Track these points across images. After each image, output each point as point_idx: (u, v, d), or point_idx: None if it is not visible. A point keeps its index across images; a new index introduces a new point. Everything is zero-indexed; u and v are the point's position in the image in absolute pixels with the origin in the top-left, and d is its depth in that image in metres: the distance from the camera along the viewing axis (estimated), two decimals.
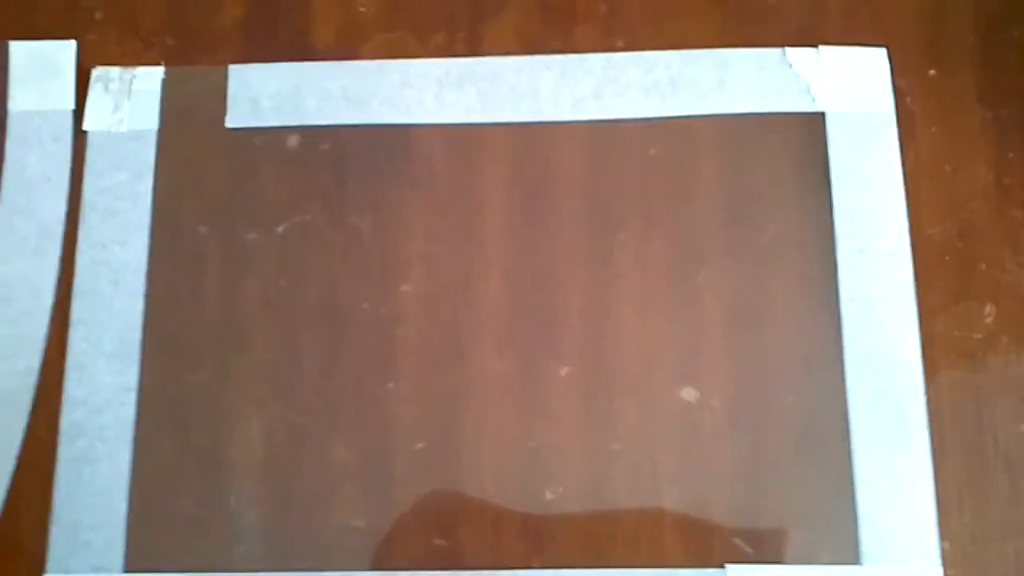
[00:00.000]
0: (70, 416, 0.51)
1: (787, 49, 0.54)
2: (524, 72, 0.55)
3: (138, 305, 0.53)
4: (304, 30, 0.56)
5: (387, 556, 0.49)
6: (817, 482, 0.49)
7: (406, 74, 0.55)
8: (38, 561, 0.50)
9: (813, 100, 0.53)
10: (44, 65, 0.56)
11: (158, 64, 0.56)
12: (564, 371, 0.51)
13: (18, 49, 0.56)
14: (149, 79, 0.55)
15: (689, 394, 0.51)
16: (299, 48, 0.56)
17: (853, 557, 0.48)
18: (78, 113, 0.55)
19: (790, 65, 0.54)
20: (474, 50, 0.55)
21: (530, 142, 0.54)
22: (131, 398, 0.51)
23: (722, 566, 0.49)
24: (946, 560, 0.48)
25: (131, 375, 0.52)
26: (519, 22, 0.56)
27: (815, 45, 0.54)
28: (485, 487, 0.50)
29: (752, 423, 0.50)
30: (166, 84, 0.55)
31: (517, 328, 0.52)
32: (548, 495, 0.50)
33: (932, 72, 0.54)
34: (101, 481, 0.50)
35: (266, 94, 0.55)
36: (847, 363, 0.51)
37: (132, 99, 0.55)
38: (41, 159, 0.55)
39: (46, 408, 0.51)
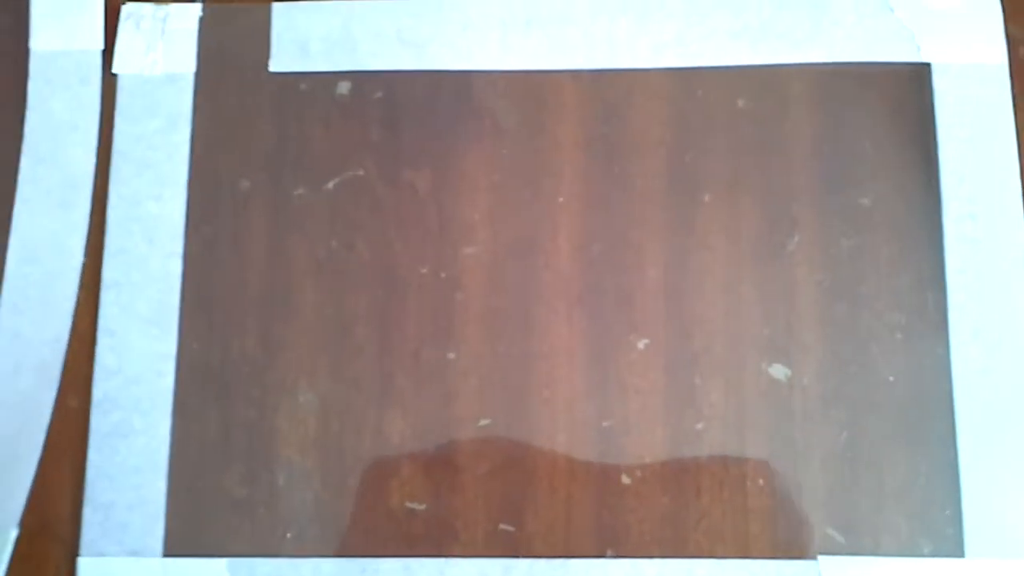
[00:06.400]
0: (103, 387, 0.49)
1: None
2: (598, 14, 0.52)
3: (176, 266, 0.50)
4: None
5: (448, 542, 0.47)
6: (918, 468, 0.47)
7: (467, 15, 0.52)
8: (71, 544, 0.48)
9: (918, 49, 0.51)
10: (70, 0, 0.53)
11: (195, 0, 0.53)
12: (642, 344, 0.49)
13: None
14: (185, 17, 0.53)
15: (779, 371, 0.49)
16: None
17: (956, 550, 0.47)
18: (107, 54, 0.52)
19: (892, 10, 0.51)
20: None
21: (604, 92, 0.51)
22: (169, 367, 0.49)
23: (814, 558, 0.47)
24: None
25: (169, 342, 0.49)
26: None
27: None
28: (555, 469, 0.48)
29: (847, 403, 0.48)
30: (204, 23, 0.53)
31: (590, 296, 0.50)
32: (624, 479, 0.48)
33: None
34: (138, 458, 0.48)
35: (314, 35, 0.52)
36: (953, 340, 0.48)
37: (166, 39, 0.52)
38: (67, 104, 0.52)
39: (77, 378, 0.49)
